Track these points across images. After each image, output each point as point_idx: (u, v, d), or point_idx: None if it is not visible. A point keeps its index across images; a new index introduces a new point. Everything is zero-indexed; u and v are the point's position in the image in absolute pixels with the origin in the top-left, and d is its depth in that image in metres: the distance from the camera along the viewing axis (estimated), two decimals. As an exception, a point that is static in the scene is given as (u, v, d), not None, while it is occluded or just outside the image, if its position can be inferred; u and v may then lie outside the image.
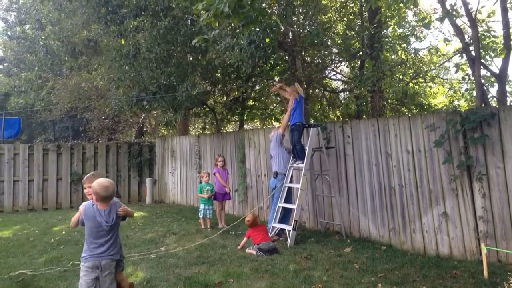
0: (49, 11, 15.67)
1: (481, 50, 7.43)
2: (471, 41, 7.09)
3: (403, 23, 12.45)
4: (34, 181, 13.53)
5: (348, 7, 12.65)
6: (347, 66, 14.48)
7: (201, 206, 9.12)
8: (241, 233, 8.38)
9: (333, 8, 12.74)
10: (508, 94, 7.13)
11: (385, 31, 11.60)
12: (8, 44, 23.01)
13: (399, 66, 11.71)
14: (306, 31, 10.99)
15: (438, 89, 13.37)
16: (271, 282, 5.25)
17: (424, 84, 13.00)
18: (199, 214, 9.16)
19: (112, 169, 14.84)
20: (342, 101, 15.00)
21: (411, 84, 11.87)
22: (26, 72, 20.04)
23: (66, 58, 15.70)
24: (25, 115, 19.82)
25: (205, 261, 6.34)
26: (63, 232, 8.98)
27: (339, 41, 12.11)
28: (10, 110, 18.71)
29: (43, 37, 17.83)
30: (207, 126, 18.98)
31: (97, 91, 15.32)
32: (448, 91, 12.68)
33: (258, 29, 8.28)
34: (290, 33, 11.42)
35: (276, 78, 9.39)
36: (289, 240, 7.24)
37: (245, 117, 15.03)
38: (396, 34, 12.40)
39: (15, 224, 10.39)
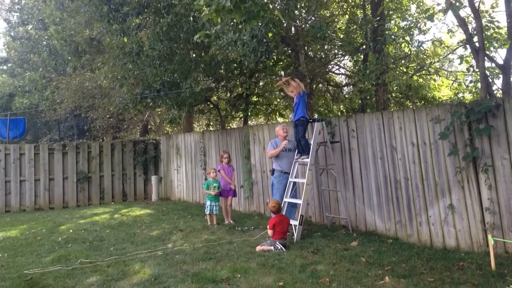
0: (52, 10, 15.69)
1: (485, 41, 7.38)
2: (475, 32, 7.05)
3: (406, 15, 12.40)
4: (40, 180, 13.60)
5: (350, 0, 12.60)
6: (350, 60, 14.44)
7: (208, 203, 9.14)
8: (247, 229, 8.40)
9: (335, 2, 12.68)
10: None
11: (388, 24, 11.54)
12: (11, 45, 23.09)
13: (403, 60, 11.65)
14: (308, 25, 10.96)
15: (443, 82, 13.31)
16: (278, 277, 5.26)
17: (428, 77, 12.94)
18: (206, 211, 9.18)
19: (118, 167, 14.90)
20: (346, 96, 14.96)
21: (415, 77, 11.82)
22: (30, 72, 20.10)
23: (69, 58, 15.73)
24: (30, 115, 19.90)
25: (212, 257, 6.35)
26: (70, 231, 9.03)
27: (341, 36, 12.06)
28: (15, 110, 18.79)
29: (46, 37, 17.85)
30: (212, 123, 19.00)
31: (101, 89, 15.36)
32: (452, 83, 12.62)
33: (260, 24, 8.25)
34: (293, 28, 11.39)
35: (282, 72, 9.37)
36: (295, 235, 7.24)
37: (249, 113, 15.03)
38: (399, 26, 12.35)
39: (23, 223, 10.46)
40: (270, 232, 6.83)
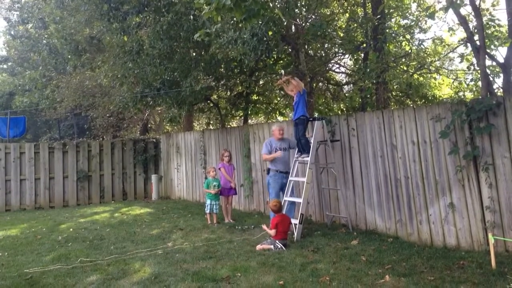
0: (52, 9, 15.67)
1: (486, 40, 7.37)
2: (476, 31, 7.03)
3: (407, 14, 12.37)
4: (40, 179, 13.60)
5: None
6: (350, 59, 14.43)
7: (208, 202, 9.14)
8: (247, 228, 8.40)
9: (335, 0, 12.65)
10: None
11: (388, 22, 11.52)
12: (11, 44, 23.08)
13: (403, 58, 11.63)
14: (308, 23, 10.94)
15: (443, 80, 13.29)
16: (279, 276, 5.25)
17: (429, 76, 12.92)
18: (206, 210, 9.18)
19: (118, 166, 14.90)
20: (346, 94, 14.95)
21: (415, 76, 11.80)
22: (30, 71, 20.10)
23: (69, 56, 15.72)
24: (30, 114, 19.91)
25: (212, 256, 6.35)
26: (71, 230, 9.03)
27: (341, 34, 12.04)
28: (15, 109, 18.79)
29: (46, 36, 17.85)
30: (212, 122, 18.99)
31: (101, 88, 15.35)
32: (453, 82, 12.60)
33: (260, 22, 8.24)
34: (293, 26, 11.37)
35: (282, 71, 9.34)
36: (295, 234, 7.24)
37: (249, 112, 15.03)
38: (400, 24, 12.32)
39: (23, 222, 10.46)
40: (272, 231, 6.80)
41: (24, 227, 9.72)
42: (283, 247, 6.60)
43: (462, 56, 8.63)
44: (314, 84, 13.24)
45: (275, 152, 8.20)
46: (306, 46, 11.59)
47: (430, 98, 12.59)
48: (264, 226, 7.05)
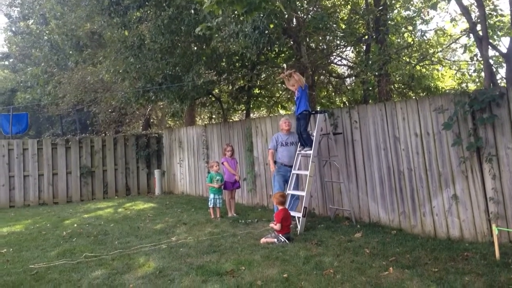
0: (52, 5, 15.62)
1: (489, 30, 7.32)
2: (478, 21, 6.99)
3: (409, 5, 12.29)
4: (44, 175, 13.64)
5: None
6: (352, 51, 14.36)
7: (211, 196, 9.14)
8: (251, 222, 8.41)
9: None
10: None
11: (390, 13, 11.46)
12: (12, 40, 23.05)
13: (406, 49, 11.57)
14: (310, 16, 10.89)
15: (446, 72, 13.22)
16: (283, 269, 5.26)
17: (431, 67, 12.86)
18: (209, 204, 9.18)
19: (121, 161, 14.92)
20: (348, 87, 14.90)
21: (417, 67, 11.74)
22: (32, 67, 20.09)
23: (71, 52, 15.69)
24: (32, 110, 19.91)
25: (216, 250, 6.37)
26: (75, 225, 9.06)
27: (343, 26, 11.98)
28: (17, 105, 18.80)
29: (47, 32, 17.80)
30: (214, 116, 18.97)
31: (103, 84, 15.34)
32: (456, 73, 12.54)
33: (262, 15, 8.20)
34: (294, 19, 11.32)
35: (284, 65, 9.30)
36: (299, 227, 7.25)
37: (251, 106, 15.01)
38: (402, 16, 12.24)
39: (27, 218, 10.50)
40: (278, 226, 6.75)
41: (28, 223, 9.76)
42: (286, 240, 6.61)
43: (464, 46, 8.59)
44: (316, 77, 13.20)
45: (280, 146, 8.22)
46: (307, 39, 11.54)
47: (432, 89, 12.53)
48: (272, 224, 6.98)
